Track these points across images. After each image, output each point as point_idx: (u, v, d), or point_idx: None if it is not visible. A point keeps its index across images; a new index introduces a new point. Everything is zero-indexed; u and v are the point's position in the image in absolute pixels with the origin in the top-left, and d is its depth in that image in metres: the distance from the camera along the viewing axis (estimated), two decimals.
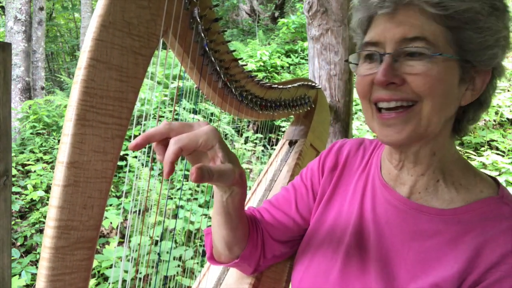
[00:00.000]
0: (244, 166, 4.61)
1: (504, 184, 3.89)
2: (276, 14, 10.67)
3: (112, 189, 4.46)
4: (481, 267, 0.63)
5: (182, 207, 3.50)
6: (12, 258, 3.44)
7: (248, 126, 5.79)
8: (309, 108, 1.57)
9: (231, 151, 0.65)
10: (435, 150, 0.72)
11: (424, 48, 0.63)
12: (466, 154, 4.39)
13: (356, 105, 5.54)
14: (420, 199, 0.74)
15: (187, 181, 4.09)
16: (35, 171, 4.54)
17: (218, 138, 0.61)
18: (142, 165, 3.86)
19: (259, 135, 5.57)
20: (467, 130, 0.76)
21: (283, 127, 5.31)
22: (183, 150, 0.58)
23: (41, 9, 7.66)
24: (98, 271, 3.12)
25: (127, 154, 4.38)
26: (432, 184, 0.74)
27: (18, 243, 3.78)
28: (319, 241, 0.85)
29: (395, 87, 0.65)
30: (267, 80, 1.91)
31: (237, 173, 0.64)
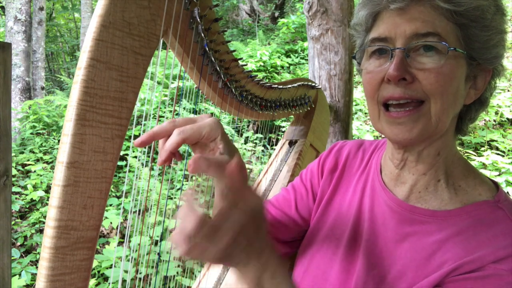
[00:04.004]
0: None
1: (504, 184, 3.88)
2: (276, 14, 10.67)
3: (112, 189, 4.46)
4: (470, 267, 0.63)
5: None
6: (12, 258, 3.44)
7: (248, 126, 5.79)
8: (309, 108, 1.57)
9: (232, 144, 0.65)
10: (439, 150, 0.72)
11: (439, 43, 0.63)
12: (466, 154, 4.39)
13: (356, 105, 5.54)
14: (419, 198, 0.74)
15: (187, 181, 4.09)
16: (35, 171, 4.54)
17: (221, 130, 0.61)
18: (142, 165, 3.86)
19: (259, 135, 5.57)
20: (468, 129, 0.76)
21: (283, 127, 5.31)
22: (185, 141, 0.58)
23: (41, 9, 7.66)
24: (98, 271, 3.12)
25: (127, 154, 4.37)
26: (433, 183, 0.74)
27: (18, 243, 3.78)
28: (319, 242, 0.85)
29: (405, 85, 0.65)
30: (267, 80, 1.90)
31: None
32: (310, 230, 0.90)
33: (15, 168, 4.62)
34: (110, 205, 4.04)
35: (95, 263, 3.00)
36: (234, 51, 0.93)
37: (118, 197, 4.30)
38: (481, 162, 4.15)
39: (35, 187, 4.33)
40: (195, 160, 0.54)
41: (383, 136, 0.75)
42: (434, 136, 0.69)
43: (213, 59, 0.85)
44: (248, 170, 4.90)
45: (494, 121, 4.96)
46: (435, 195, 0.73)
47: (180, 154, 0.63)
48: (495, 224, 0.66)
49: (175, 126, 0.59)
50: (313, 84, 1.57)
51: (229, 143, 0.64)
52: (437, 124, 0.66)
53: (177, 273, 2.67)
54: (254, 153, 5.33)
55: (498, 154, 4.31)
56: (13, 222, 3.96)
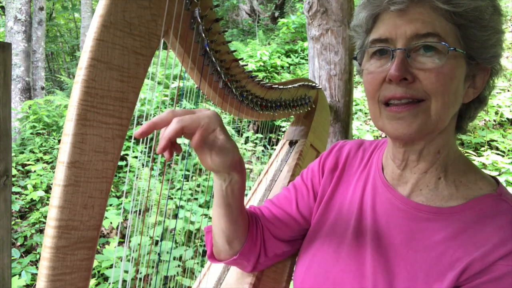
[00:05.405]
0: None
1: (504, 184, 3.90)
2: (276, 14, 10.67)
3: (112, 189, 4.46)
4: (480, 264, 0.63)
5: (182, 207, 3.49)
6: (12, 258, 3.44)
7: (248, 126, 5.79)
8: (309, 109, 1.57)
9: (232, 139, 0.66)
10: (440, 148, 0.73)
11: (439, 43, 0.64)
12: (466, 154, 4.38)
13: (356, 105, 5.54)
14: (421, 196, 0.75)
15: (187, 181, 4.09)
16: (35, 171, 4.54)
17: (220, 123, 0.62)
18: (142, 165, 3.86)
19: (259, 135, 5.57)
20: (467, 127, 0.77)
21: (283, 127, 5.31)
22: (184, 129, 0.58)
23: (41, 9, 7.66)
24: (98, 271, 3.12)
25: (127, 154, 4.37)
26: (433, 181, 0.74)
27: (18, 243, 3.78)
28: (320, 240, 0.85)
29: (406, 85, 0.66)
30: (267, 80, 1.91)
31: (235, 156, 0.65)
32: (311, 229, 0.90)
33: (15, 168, 4.62)
34: (110, 205, 4.04)
35: (95, 263, 3.00)
36: (235, 51, 0.93)
37: (118, 197, 4.30)
38: (481, 162, 4.15)
39: (35, 187, 4.33)
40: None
41: (383, 135, 0.75)
42: (433, 133, 0.70)
43: (213, 59, 0.85)
44: (248, 170, 4.90)
45: (494, 121, 4.96)
46: (435, 192, 0.73)
47: (179, 145, 0.63)
48: (500, 216, 0.66)
49: (173, 116, 0.60)
50: (314, 84, 1.57)
51: (229, 136, 0.65)
52: (437, 122, 0.67)
53: (177, 273, 2.67)
54: (254, 153, 5.34)
55: (498, 154, 4.31)
56: (13, 222, 3.96)
